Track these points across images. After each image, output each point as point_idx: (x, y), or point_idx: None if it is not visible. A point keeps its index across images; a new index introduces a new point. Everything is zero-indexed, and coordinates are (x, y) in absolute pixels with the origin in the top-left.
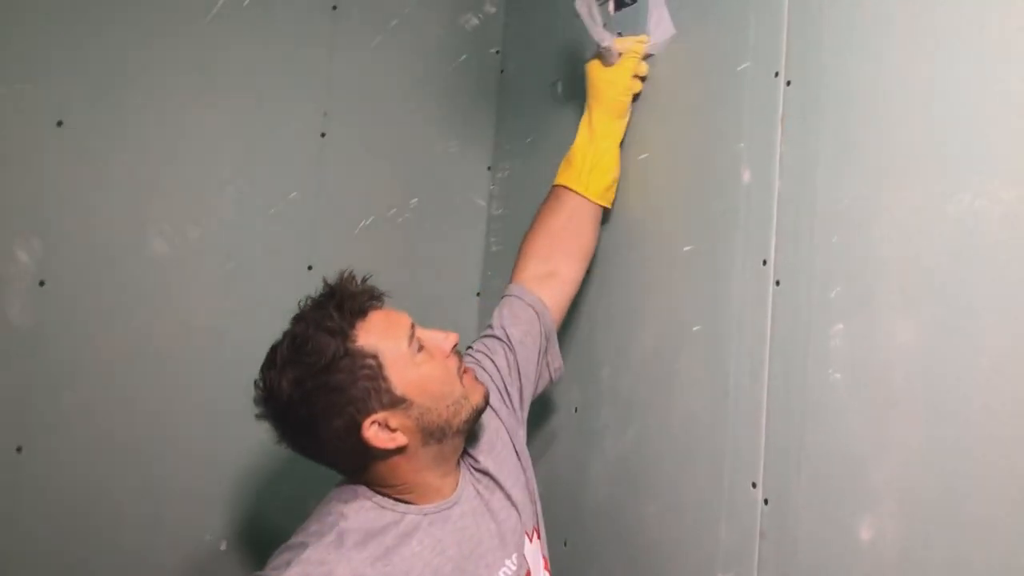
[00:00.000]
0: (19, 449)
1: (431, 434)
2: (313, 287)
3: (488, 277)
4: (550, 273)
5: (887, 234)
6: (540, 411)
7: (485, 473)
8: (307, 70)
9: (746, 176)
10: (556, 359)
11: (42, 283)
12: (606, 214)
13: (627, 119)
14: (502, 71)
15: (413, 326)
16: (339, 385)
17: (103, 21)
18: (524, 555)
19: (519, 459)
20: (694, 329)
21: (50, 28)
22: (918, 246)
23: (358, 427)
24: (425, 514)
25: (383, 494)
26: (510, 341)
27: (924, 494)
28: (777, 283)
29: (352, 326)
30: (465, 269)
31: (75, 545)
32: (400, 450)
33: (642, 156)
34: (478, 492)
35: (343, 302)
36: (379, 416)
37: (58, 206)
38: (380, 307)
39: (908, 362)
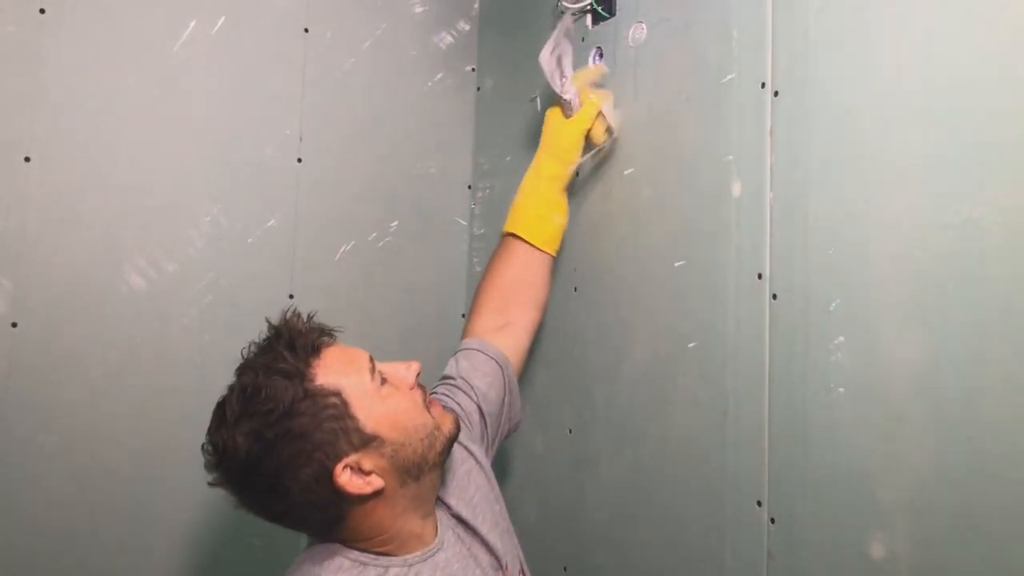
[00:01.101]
0: None
1: (407, 472)
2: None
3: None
4: (506, 323)
5: (885, 245)
6: (533, 433)
7: (460, 520)
8: (280, 95)
9: (736, 189)
10: (518, 413)
11: (14, 324)
12: (591, 228)
13: (575, 167)
14: (478, 88)
15: (372, 359)
16: (303, 430)
17: (68, 52)
18: None
19: (496, 500)
20: (689, 346)
21: (12, 61)
22: (917, 257)
23: (329, 474)
24: (410, 565)
25: (360, 549)
26: (473, 389)
27: (937, 511)
28: (774, 297)
29: (308, 365)
30: (450, 290)
31: None
32: (377, 494)
33: (627, 171)
34: (459, 537)
35: (294, 341)
36: (351, 459)
37: (28, 244)
38: (333, 343)
39: (913, 375)
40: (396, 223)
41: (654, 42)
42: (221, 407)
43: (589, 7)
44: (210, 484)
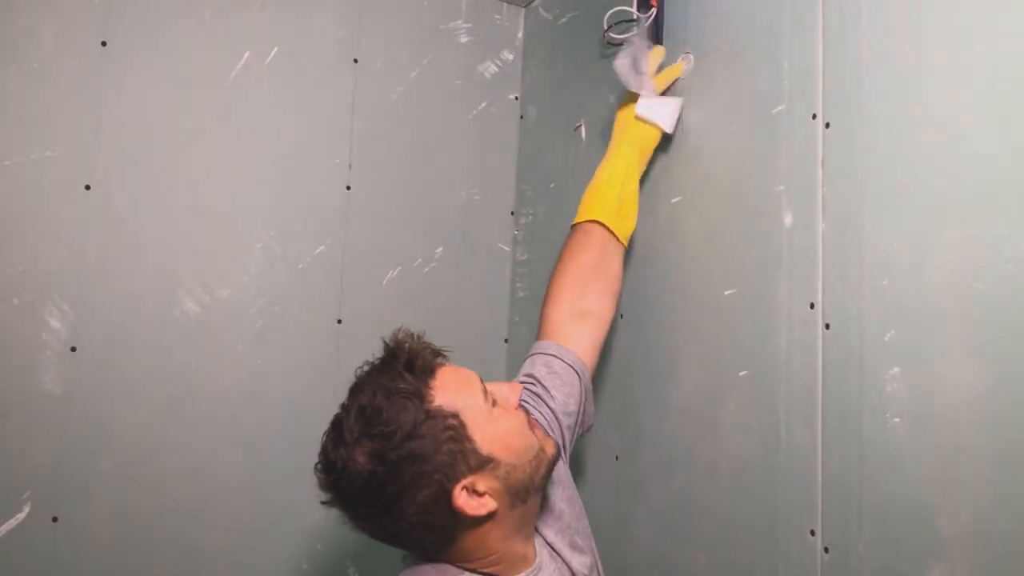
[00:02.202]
0: (55, 519)
1: (516, 495)
2: (343, 341)
3: (515, 323)
4: (585, 312)
5: (942, 276)
6: (578, 458)
7: (546, 541)
8: (331, 124)
9: (788, 219)
10: (591, 418)
11: (73, 349)
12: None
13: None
14: (522, 117)
15: (482, 380)
16: (424, 452)
17: (127, 83)
18: None
19: (580, 514)
20: (740, 374)
21: (75, 93)
22: (975, 288)
23: (448, 496)
24: None
25: (469, 570)
26: (552, 400)
27: (999, 541)
28: (827, 326)
29: (427, 386)
30: (492, 315)
31: None
32: (490, 516)
33: (675, 200)
34: (552, 556)
35: (412, 361)
36: (467, 480)
37: (87, 271)
38: (446, 363)
39: (971, 405)
40: (441, 249)
41: (702, 72)
42: (338, 427)
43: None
44: (323, 503)
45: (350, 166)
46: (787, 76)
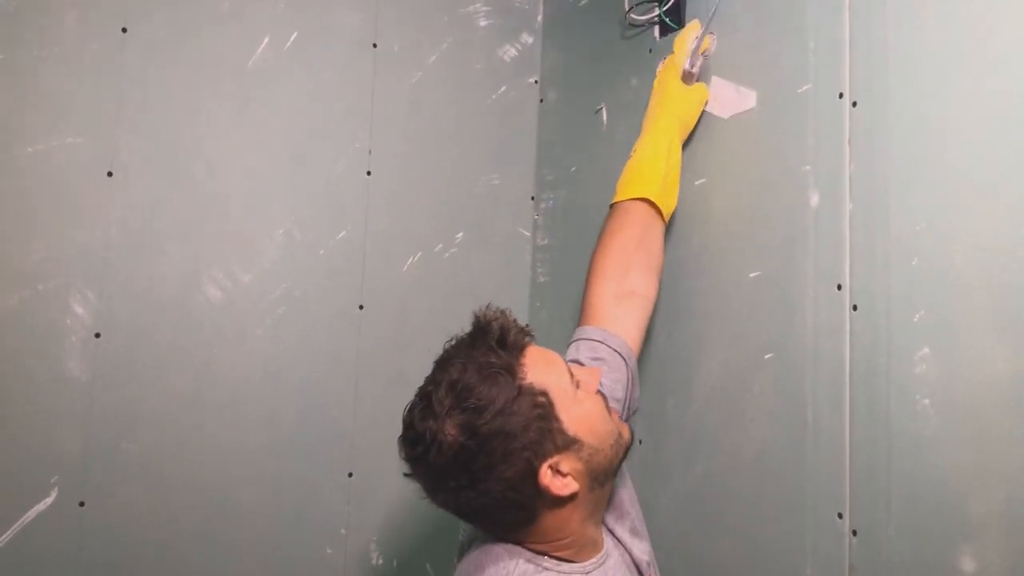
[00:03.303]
0: (82, 504)
1: (596, 478)
2: (365, 327)
3: (536, 308)
4: (630, 292)
5: (971, 255)
6: None
7: (607, 527)
8: (350, 109)
9: (814, 200)
10: (637, 401)
11: (98, 335)
12: None
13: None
14: (541, 100)
15: (565, 360)
16: (514, 429)
17: (148, 69)
18: None
19: (635, 502)
20: (766, 357)
21: (95, 79)
22: (1006, 267)
23: (534, 474)
24: (587, 572)
25: (538, 551)
26: (602, 386)
27: None
28: (854, 308)
29: (518, 363)
30: (513, 301)
31: None
32: (571, 498)
33: (699, 182)
34: (615, 543)
35: (504, 337)
36: (553, 460)
37: (110, 257)
38: (532, 342)
39: (1003, 386)
40: (461, 234)
41: (726, 52)
42: (426, 399)
43: (657, 19)
44: (406, 475)
45: (370, 151)
46: (813, 54)
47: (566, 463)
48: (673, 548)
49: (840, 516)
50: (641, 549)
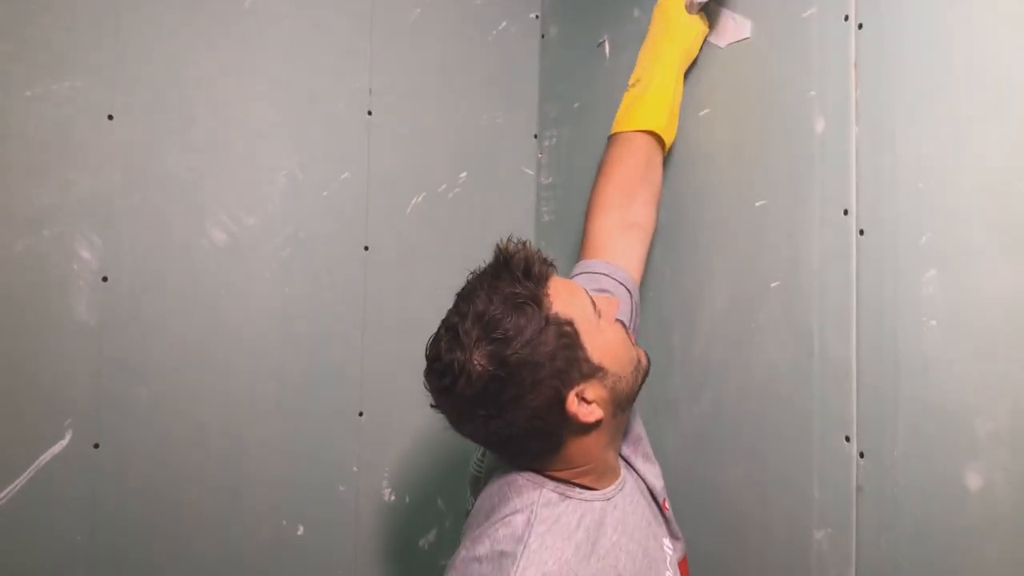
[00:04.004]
0: (96, 446)
1: (619, 404)
2: (371, 268)
3: (541, 247)
4: (632, 223)
5: (978, 177)
6: None
7: (621, 457)
8: (349, 49)
9: (820, 125)
10: (637, 330)
11: (105, 279)
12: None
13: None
14: (543, 36)
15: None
16: (541, 358)
17: (146, 10)
18: (674, 531)
19: (643, 429)
20: (772, 286)
21: (93, 22)
22: (1013, 186)
23: (561, 402)
24: (608, 499)
25: (559, 479)
26: None
27: None
28: (861, 232)
29: (543, 293)
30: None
31: (154, 535)
32: (596, 424)
33: (703, 112)
34: (628, 469)
35: (529, 267)
36: (579, 388)
37: (114, 201)
38: (554, 272)
39: (1009, 305)
40: (465, 174)
41: None
42: (453, 331)
43: None
44: (433, 407)
45: (370, 91)
46: None
47: (591, 391)
48: (682, 477)
49: (847, 439)
50: (654, 474)
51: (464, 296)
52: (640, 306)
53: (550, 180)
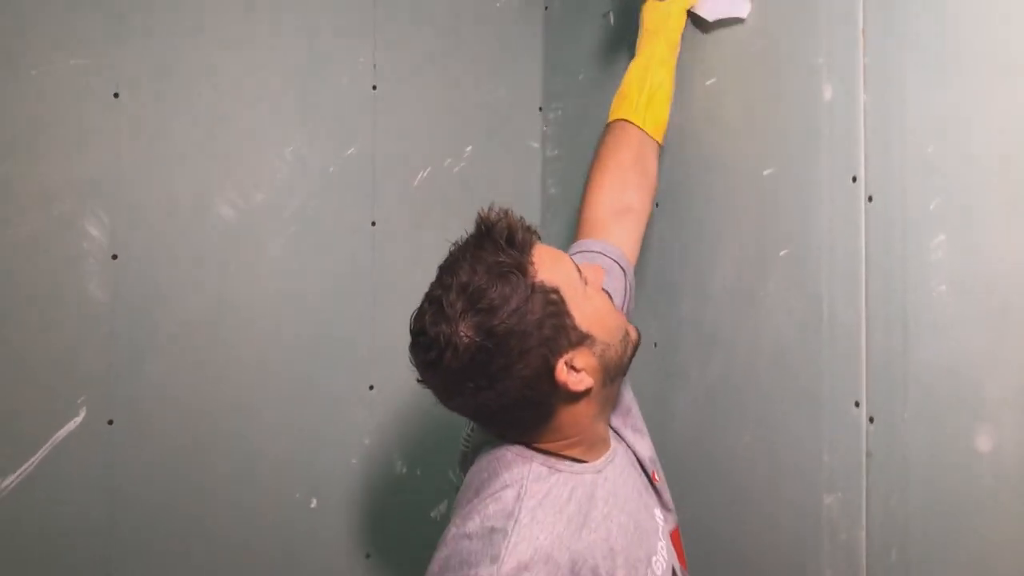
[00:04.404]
0: (110, 422)
1: (608, 373)
2: (378, 243)
3: (548, 220)
4: (626, 208)
5: (989, 139)
6: None
7: (611, 428)
8: (354, 23)
9: (827, 93)
10: (630, 314)
11: (115, 256)
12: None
13: (677, 53)
14: (546, 8)
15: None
16: (528, 327)
17: None
18: (665, 502)
19: (632, 401)
20: (781, 254)
21: (99, 1)
22: None
23: (551, 370)
24: (599, 471)
25: (550, 452)
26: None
27: None
28: (870, 199)
29: (528, 261)
30: (524, 214)
31: (170, 510)
32: (586, 393)
33: (709, 82)
34: (617, 440)
35: (512, 235)
36: (568, 356)
37: (122, 179)
38: (538, 240)
39: (1019, 269)
40: (470, 148)
41: None
42: (436, 304)
43: None
44: (419, 382)
45: (374, 66)
46: None
47: (580, 359)
48: (691, 445)
49: (857, 405)
50: (644, 446)
51: (447, 268)
52: (639, 277)
53: (556, 153)
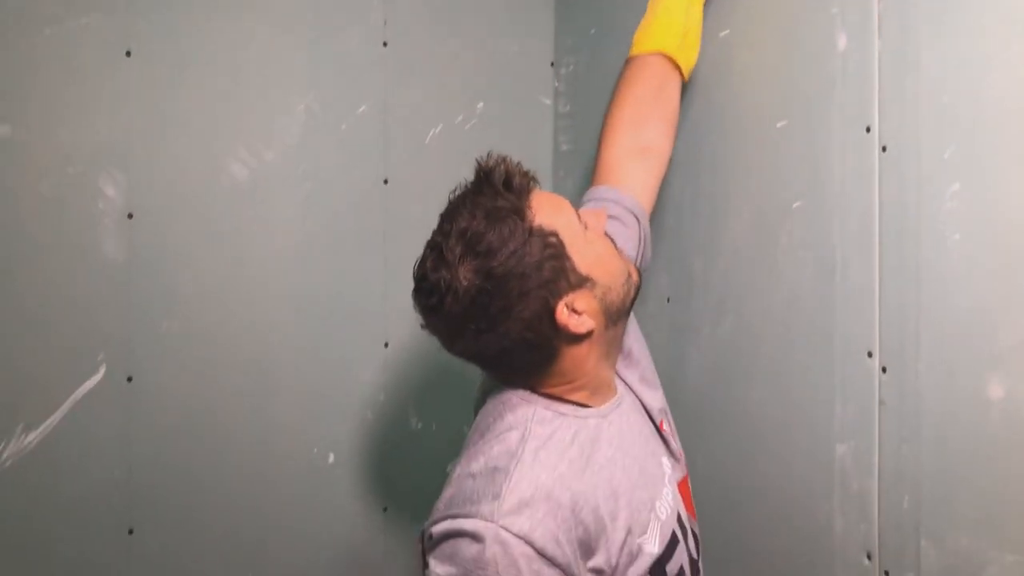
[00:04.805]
0: (129, 379)
1: (611, 316)
2: (390, 201)
3: (560, 177)
4: (644, 148)
5: (1005, 86)
6: None
7: (618, 376)
8: None
9: (842, 42)
10: (647, 261)
11: (130, 216)
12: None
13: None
14: None
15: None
16: (527, 269)
17: None
18: (673, 451)
19: (649, 358)
20: (794, 206)
21: None
22: None
23: (551, 312)
24: (604, 416)
25: (554, 397)
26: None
27: None
28: (883, 149)
29: (526, 205)
30: (536, 170)
31: (189, 466)
32: (588, 335)
33: (723, 33)
34: (626, 389)
35: (510, 179)
36: (568, 298)
37: (136, 137)
38: (537, 186)
39: None
40: (482, 104)
41: None
42: (437, 249)
43: None
44: (423, 327)
45: (384, 22)
46: None
47: (581, 301)
48: (705, 398)
49: (869, 355)
50: (653, 396)
51: (447, 215)
52: (652, 234)
53: (568, 108)
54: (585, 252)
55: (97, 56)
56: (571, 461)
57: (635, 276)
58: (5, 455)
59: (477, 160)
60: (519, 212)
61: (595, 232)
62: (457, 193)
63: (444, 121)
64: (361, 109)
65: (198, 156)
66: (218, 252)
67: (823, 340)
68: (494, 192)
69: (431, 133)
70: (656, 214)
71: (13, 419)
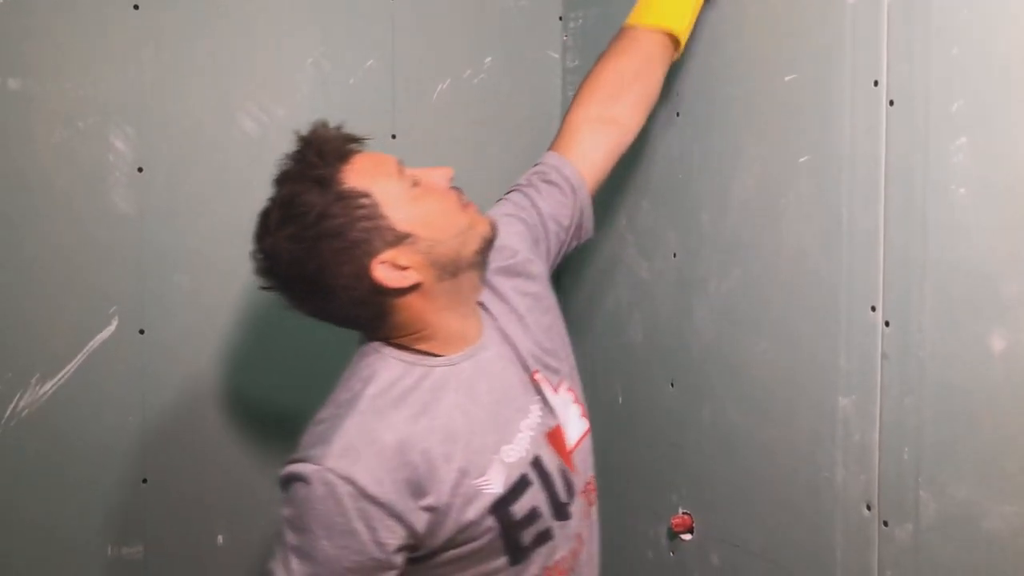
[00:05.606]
0: (142, 331)
1: (444, 268)
2: (400, 155)
3: None
4: (611, 120)
5: (1014, 39)
6: (636, 260)
7: (503, 333)
8: None
9: None
10: (588, 232)
11: (140, 169)
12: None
13: None
14: None
15: (400, 163)
16: (338, 230)
17: None
18: (549, 402)
19: (551, 324)
20: (801, 160)
21: None
22: None
23: (367, 270)
24: (453, 364)
25: (405, 347)
26: (542, 199)
27: None
28: (891, 103)
29: (337, 170)
30: (544, 125)
31: (201, 416)
32: (416, 287)
33: None
34: (504, 339)
35: (322, 148)
36: (386, 255)
37: (145, 92)
38: (361, 151)
39: None
40: (489, 59)
41: None
42: (264, 216)
43: None
44: (262, 288)
45: None
46: None
47: (403, 257)
48: (711, 352)
49: (873, 309)
50: (528, 342)
51: (274, 183)
52: (591, 207)
53: (576, 63)
54: (405, 210)
55: (105, 9)
56: (408, 407)
57: (480, 228)
58: (21, 405)
59: (296, 132)
60: (328, 177)
61: (427, 189)
62: (283, 159)
63: (452, 76)
64: (369, 63)
65: (208, 110)
66: (228, 207)
67: (828, 294)
68: (308, 161)
69: (439, 88)
70: (664, 170)
71: (29, 370)
